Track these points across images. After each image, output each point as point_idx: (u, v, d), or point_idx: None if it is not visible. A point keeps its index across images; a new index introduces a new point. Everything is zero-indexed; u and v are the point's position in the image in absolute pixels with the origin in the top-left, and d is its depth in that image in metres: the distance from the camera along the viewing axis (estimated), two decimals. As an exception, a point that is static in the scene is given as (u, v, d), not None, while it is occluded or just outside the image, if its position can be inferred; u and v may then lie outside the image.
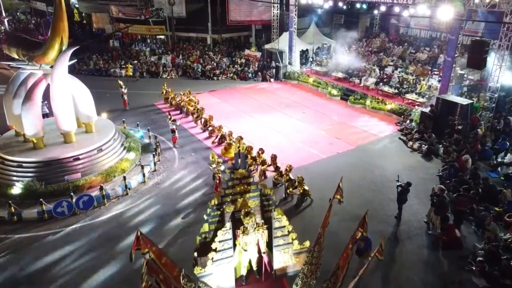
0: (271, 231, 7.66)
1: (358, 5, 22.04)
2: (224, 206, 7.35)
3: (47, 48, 13.26)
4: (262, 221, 7.39)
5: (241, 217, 7.20)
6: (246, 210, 7.23)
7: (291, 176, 13.29)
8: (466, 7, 16.43)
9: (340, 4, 22.81)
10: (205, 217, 7.41)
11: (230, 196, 7.39)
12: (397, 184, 12.00)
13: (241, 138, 16.09)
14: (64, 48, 13.46)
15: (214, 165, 13.14)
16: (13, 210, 12.02)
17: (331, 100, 23.89)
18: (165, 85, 23.48)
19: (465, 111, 16.85)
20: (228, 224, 7.22)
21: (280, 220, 7.71)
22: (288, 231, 7.83)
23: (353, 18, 32.70)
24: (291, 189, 13.21)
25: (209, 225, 7.40)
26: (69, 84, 14.00)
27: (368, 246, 9.15)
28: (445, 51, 24.07)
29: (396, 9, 20.65)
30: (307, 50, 29.91)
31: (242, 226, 7.12)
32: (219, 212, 7.35)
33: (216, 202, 7.30)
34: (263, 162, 14.53)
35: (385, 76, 23.63)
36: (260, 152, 14.84)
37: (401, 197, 11.90)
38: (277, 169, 14.09)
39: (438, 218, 11.41)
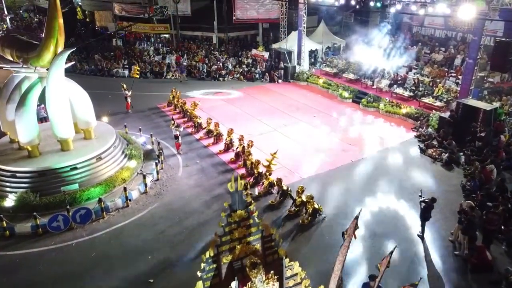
0: (282, 281, 6.47)
1: (372, 3, 20.85)
2: (220, 257, 6.06)
3: (42, 50, 12.32)
4: (272, 271, 6.13)
5: (247, 269, 5.98)
6: (252, 260, 6.00)
7: (303, 198, 11.95)
8: (491, 6, 15.30)
9: (353, 2, 21.67)
10: (199, 274, 6.06)
11: (228, 244, 6.08)
12: (420, 200, 11.00)
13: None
14: (60, 49, 12.55)
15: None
16: (5, 225, 11.20)
17: (342, 102, 22.84)
18: (174, 90, 21.87)
19: (488, 117, 15.78)
20: (234, 283, 6.01)
21: (292, 268, 6.63)
22: (300, 278, 6.73)
23: (364, 16, 31.55)
24: (306, 218, 11.71)
25: (203, 282, 6.06)
26: (66, 88, 13.08)
27: None
28: (462, 51, 23.08)
29: (413, 8, 19.51)
30: (316, 50, 28.94)
31: (250, 282, 5.94)
32: (215, 265, 6.06)
33: (211, 254, 5.99)
34: (271, 184, 13.27)
35: (399, 78, 22.53)
36: (267, 173, 13.56)
37: (425, 215, 10.89)
38: (284, 193, 12.75)
39: (465, 238, 10.43)
